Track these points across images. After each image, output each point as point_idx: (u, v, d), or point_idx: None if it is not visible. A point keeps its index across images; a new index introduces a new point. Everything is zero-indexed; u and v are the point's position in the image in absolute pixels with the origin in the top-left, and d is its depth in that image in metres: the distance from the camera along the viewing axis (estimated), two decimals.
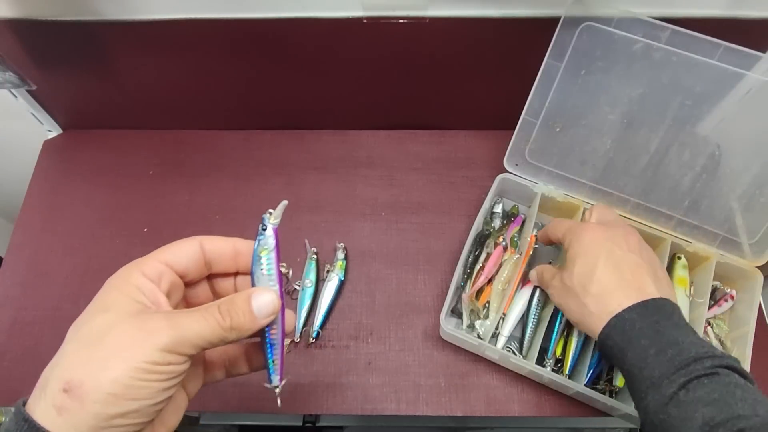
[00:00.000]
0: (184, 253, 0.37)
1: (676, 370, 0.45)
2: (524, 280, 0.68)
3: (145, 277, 0.34)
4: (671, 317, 0.49)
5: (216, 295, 0.40)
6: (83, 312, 0.33)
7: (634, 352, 0.48)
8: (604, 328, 0.50)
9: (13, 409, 0.32)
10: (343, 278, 0.72)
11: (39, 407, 0.29)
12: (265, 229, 0.41)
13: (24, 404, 0.30)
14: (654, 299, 0.50)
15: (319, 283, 0.73)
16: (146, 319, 0.31)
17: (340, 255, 0.74)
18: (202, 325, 0.33)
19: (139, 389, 0.29)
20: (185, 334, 0.32)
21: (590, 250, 0.55)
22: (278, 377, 0.40)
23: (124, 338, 0.30)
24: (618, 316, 0.50)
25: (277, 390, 0.40)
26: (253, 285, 0.38)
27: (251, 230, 0.78)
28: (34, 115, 0.82)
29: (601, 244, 0.55)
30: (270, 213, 0.41)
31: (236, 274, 0.41)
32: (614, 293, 0.51)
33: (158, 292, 0.34)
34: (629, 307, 0.50)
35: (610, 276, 0.52)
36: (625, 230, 0.57)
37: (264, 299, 0.36)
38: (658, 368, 0.46)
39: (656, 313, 0.49)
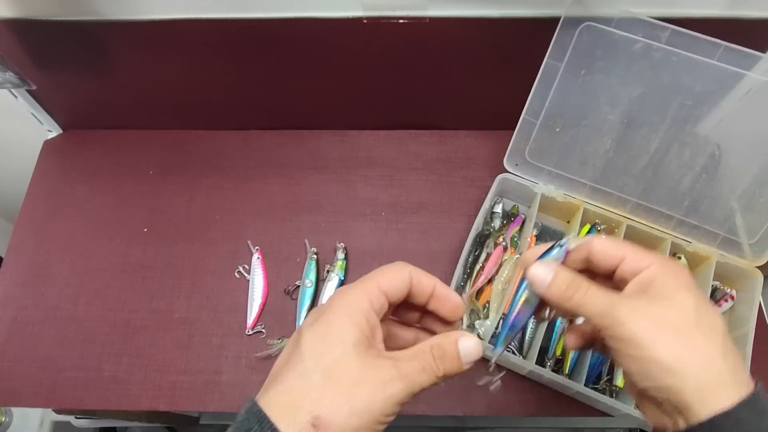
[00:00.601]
0: (398, 282, 0.37)
1: None
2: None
3: (372, 308, 0.35)
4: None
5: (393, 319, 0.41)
6: (318, 319, 0.35)
7: None
8: (703, 423, 0.33)
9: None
10: (343, 278, 0.72)
11: (287, 420, 0.32)
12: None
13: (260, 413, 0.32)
14: (755, 394, 0.34)
15: (319, 283, 0.73)
16: (380, 369, 0.34)
17: (340, 255, 0.74)
18: (423, 378, 0.35)
19: (362, 421, 0.33)
20: (414, 387, 0.34)
21: (694, 289, 0.37)
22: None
23: (368, 391, 0.33)
24: (725, 416, 0.33)
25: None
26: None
27: (251, 230, 0.78)
28: (34, 115, 0.82)
29: (701, 300, 0.37)
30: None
31: (423, 310, 0.40)
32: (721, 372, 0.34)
33: (378, 325, 0.36)
34: (739, 404, 0.33)
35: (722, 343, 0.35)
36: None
37: (470, 344, 0.37)
38: None
39: (764, 416, 0.33)
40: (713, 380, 0.33)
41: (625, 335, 0.35)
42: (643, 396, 0.37)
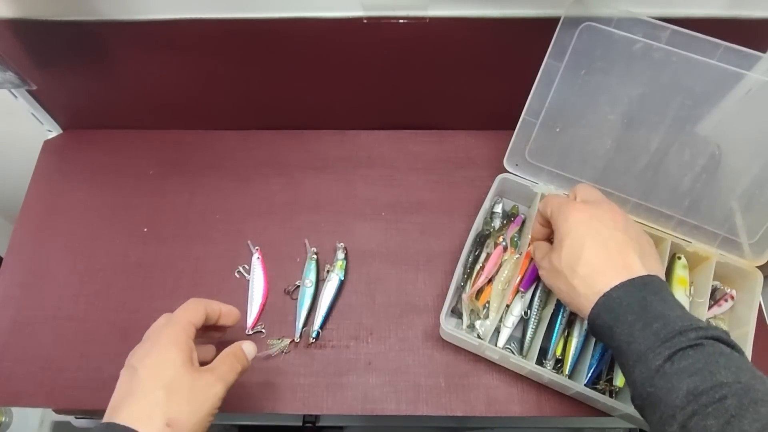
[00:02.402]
0: (199, 314, 0.53)
1: (662, 342, 0.46)
2: (524, 281, 0.69)
3: (188, 337, 0.50)
4: (658, 293, 0.50)
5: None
6: (148, 353, 0.49)
7: (621, 328, 0.48)
8: (593, 309, 0.51)
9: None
10: (343, 278, 0.72)
11: (146, 428, 0.43)
12: None
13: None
14: (641, 276, 0.50)
15: (319, 283, 0.73)
16: (203, 377, 0.48)
17: (340, 255, 0.74)
18: (232, 375, 0.51)
19: (207, 423, 0.47)
20: (228, 383, 0.50)
21: (576, 230, 0.55)
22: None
23: (199, 394, 0.47)
24: (606, 295, 0.50)
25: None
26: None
27: (251, 230, 0.79)
28: (34, 115, 0.82)
29: (586, 223, 0.55)
30: None
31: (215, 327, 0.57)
32: (602, 273, 0.52)
33: (193, 348, 0.51)
34: (616, 286, 0.50)
35: (597, 256, 0.53)
36: (610, 208, 0.57)
37: (249, 347, 0.55)
38: (644, 342, 0.47)
39: (643, 289, 0.50)
40: (605, 271, 0.52)
41: (561, 232, 0.57)
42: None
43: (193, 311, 0.53)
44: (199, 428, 0.46)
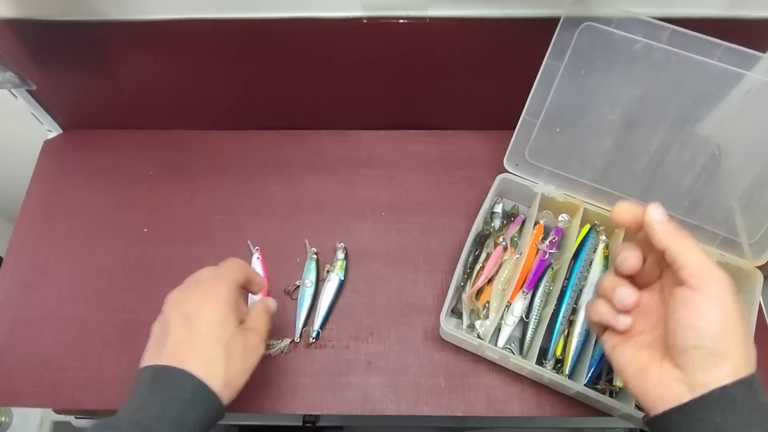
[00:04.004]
0: (244, 274, 0.55)
1: None
2: (524, 282, 0.69)
3: (238, 296, 0.53)
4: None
5: None
6: (204, 306, 0.50)
7: None
8: (696, 405, 0.39)
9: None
10: (343, 278, 0.72)
11: (212, 384, 0.47)
12: None
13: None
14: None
15: (319, 283, 0.73)
16: (250, 338, 0.52)
17: (340, 255, 0.74)
18: (267, 332, 0.55)
19: (248, 377, 0.51)
20: (266, 341, 0.55)
21: (726, 296, 0.41)
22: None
23: (249, 354, 0.51)
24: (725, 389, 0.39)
25: None
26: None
27: (251, 230, 0.79)
28: (34, 115, 0.82)
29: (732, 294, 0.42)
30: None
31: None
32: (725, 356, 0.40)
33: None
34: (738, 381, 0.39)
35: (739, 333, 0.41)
36: None
37: (271, 302, 0.59)
38: None
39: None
40: (739, 358, 0.40)
41: (710, 293, 0.40)
42: (666, 354, 0.42)
43: (237, 272, 0.54)
44: (243, 386, 0.50)
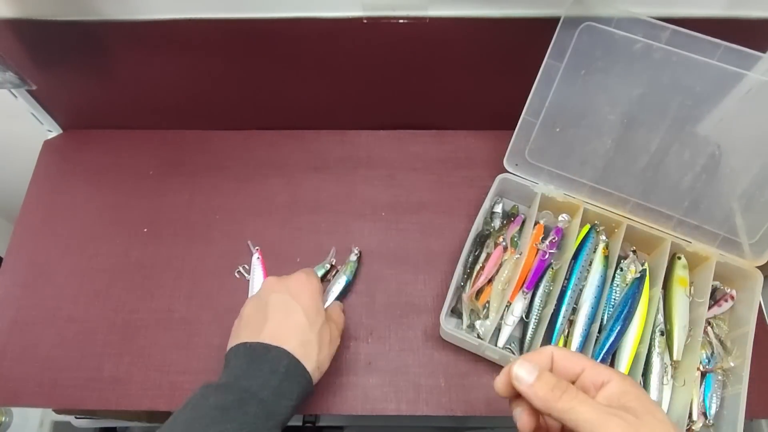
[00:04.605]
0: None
1: None
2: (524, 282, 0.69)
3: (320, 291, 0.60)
4: None
5: None
6: (308, 299, 0.57)
7: None
8: None
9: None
10: (350, 279, 0.72)
11: (308, 365, 0.53)
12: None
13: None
14: None
15: (324, 282, 0.72)
16: (332, 330, 0.59)
17: (353, 258, 0.73)
18: (343, 324, 0.64)
19: (329, 364, 0.57)
20: (341, 334, 0.62)
21: (658, 412, 0.39)
22: None
23: (332, 344, 0.58)
24: None
25: None
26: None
27: (251, 230, 0.79)
28: (34, 115, 0.82)
29: None
30: None
31: None
32: None
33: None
34: None
35: None
36: None
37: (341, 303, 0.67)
38: None
39: None
40: None
41: None
42: None
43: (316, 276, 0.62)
44: (325, 371, 0.56)
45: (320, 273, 0.72)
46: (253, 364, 0.51)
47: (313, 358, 0.53)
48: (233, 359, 0.53)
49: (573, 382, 0.41)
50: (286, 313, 0.55)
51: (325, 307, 0.61)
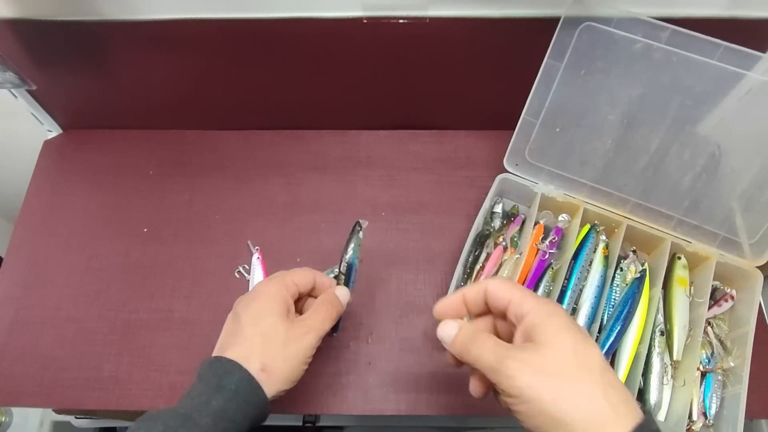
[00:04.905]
0: (306, 280, 0.54)
1: None
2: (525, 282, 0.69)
3: (288, 293, 0.52)
4: None
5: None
6: (250, 302, 0.51)
7: None
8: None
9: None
10: (356, 263, 0.69)
11: (246, 367, 0.47)
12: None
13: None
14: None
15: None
16: (297, 326, 0.50)
17: (360, 234, 0.65)
18: (326, 324, 0.52)
19: (300, 371, 0.50)
20: (321, 333, 0.51)
21: (571, 328, 0.39)
22: None
23: (293, 343, 0.49)
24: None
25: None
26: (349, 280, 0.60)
27: (251, 230, 0.79)
28: (34, 115, 0.82)
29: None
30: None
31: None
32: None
33: (292, 304, 0.53)
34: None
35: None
36: None
37: (342, 292, 0.56)
38: None
39: None
40: (598, 422, 0.35)
41: (514, 390, 0.37)
42: None
43: (300, 274, 0.54)
44: (291, 376, 0.49)
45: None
46: (199, 381, 0.47)
47: (254, 359, 0.47)
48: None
49: (505, 315, 0.42)
50: (234, 323, 0.51)
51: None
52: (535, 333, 0.38)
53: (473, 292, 0.44)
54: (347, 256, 0.60)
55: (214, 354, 0.49)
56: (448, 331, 0.44)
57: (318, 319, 0.52)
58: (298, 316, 0.52)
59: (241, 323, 0.50)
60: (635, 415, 0.35)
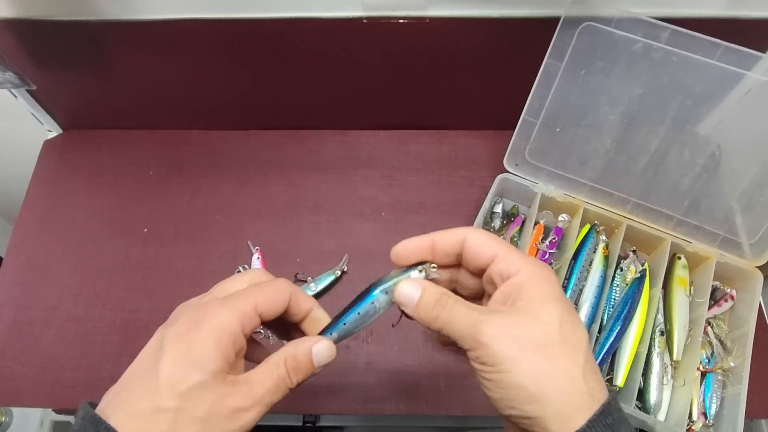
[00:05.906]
0: (278, 303, 0.37)
1: None
2: None
3: (242, 332, 0.35)
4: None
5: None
6: (185, 334, 0.34)
7: None
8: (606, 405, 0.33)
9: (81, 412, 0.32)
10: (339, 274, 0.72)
11: None
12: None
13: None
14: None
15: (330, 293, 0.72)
16: (234, 395, 0.34)
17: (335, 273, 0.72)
18: (276, 396, 0.36)
19: None
20: (266, 408, 0.35)
21: (561, 300, 0.35)
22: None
23: (220, 420, 0.33)
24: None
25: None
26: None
27: (251, 230, 0.78)
28: (34, 115, 0.82)
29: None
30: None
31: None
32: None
33: (243, 346, 0.36)
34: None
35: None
36: None
37: (322, 348, 0.38)
38: None
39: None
40: (574, 404, 0.32)
41: (488, 359, 0.33)
42: (508, 422, 0.35)
43: (271, 296, 0.37)
44: None
45: (326, 282, 0.71)
46: None
47: None
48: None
49: (485, 270, 0.37)
50: (146, 363, 0.34)
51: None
52: (521, 297, 0.34)
53: (448, 240, 0.38)
54: (351, 319, 0.41)
55: (105, 400, 0.33)
56: (409, 293, 0.37)
57: (270, 387, 0.35)
58: (240, 376, 0.35)
59: (157, 369, 0.32)
60: (603, 398, 0.33)
